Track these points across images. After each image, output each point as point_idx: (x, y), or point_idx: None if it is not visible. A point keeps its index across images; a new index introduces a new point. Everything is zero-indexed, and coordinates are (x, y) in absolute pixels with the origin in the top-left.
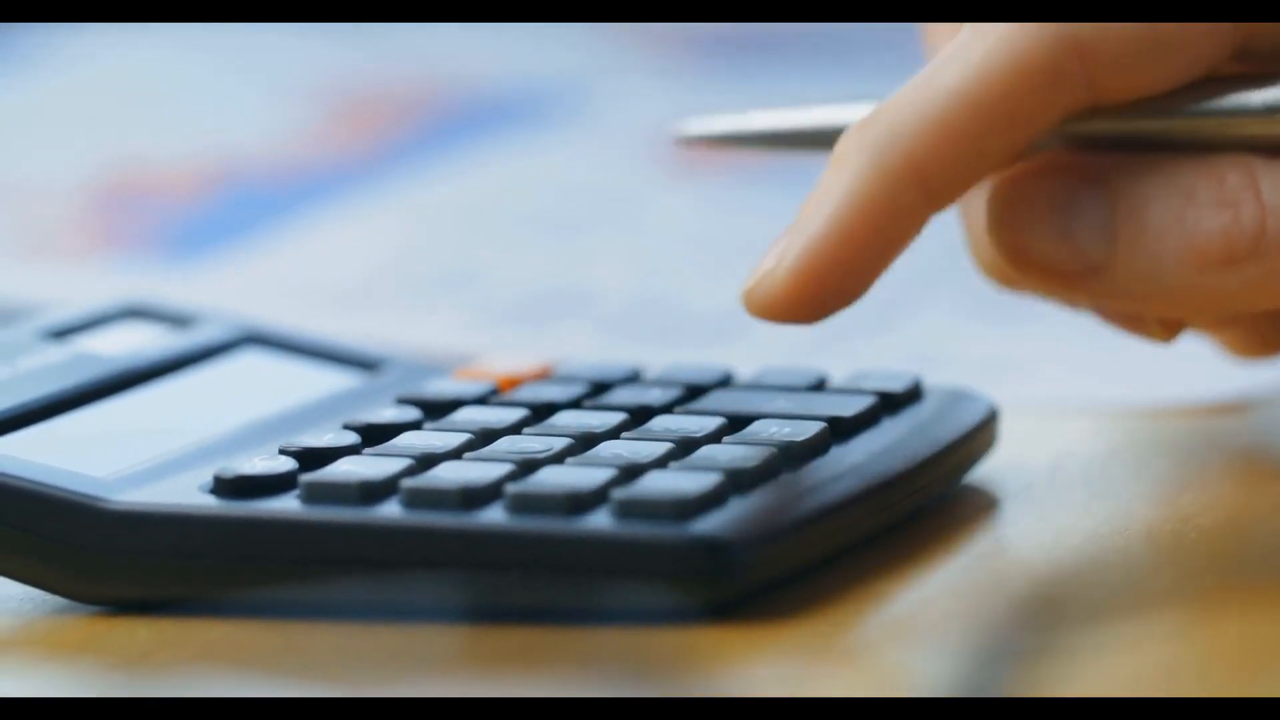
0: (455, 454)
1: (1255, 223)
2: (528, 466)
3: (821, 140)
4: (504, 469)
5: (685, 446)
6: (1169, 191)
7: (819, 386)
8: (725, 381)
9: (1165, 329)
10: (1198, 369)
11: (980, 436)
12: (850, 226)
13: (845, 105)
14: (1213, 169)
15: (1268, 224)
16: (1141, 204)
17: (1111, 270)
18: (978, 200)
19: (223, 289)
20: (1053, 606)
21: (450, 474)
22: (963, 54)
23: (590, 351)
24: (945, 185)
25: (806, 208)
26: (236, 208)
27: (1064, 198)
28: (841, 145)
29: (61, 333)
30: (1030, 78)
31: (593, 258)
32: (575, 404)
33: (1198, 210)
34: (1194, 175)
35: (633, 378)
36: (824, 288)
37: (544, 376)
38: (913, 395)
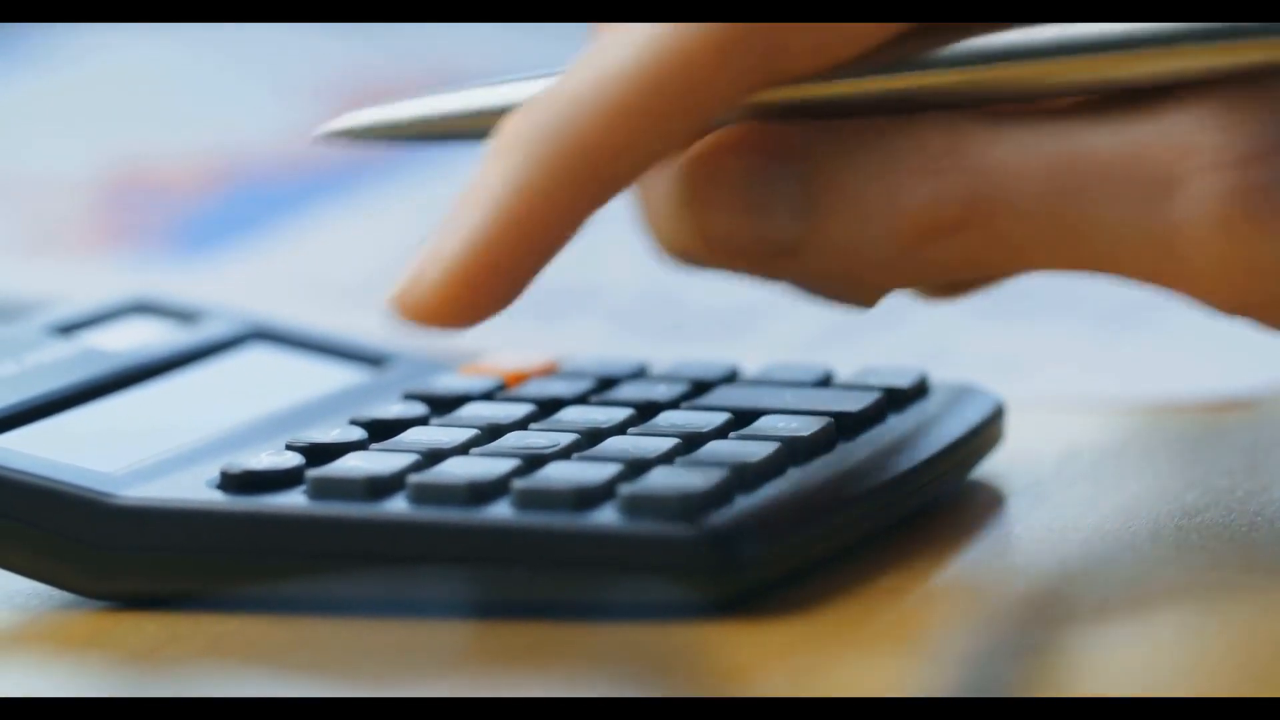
0: (462, 449)
1: (960, 192)
2: (534, 462)
3: (481, 126)
4: (511, 464)
5: (691, 442)
6: (869, 160)
7: (825, 382)
8: (731, 377)
9: (868, 294)
10: (1205, 366)
11: (987, 432)
12: (512, 224)
13: (503, 85)
14: (915, 133)
15: (978, 190)
16: (841, 176)
17: (813, 247)
18: (657, 175)
19: (229, 285)
20: (1058, 603)
21: (457, 469)
22: (634, 31)
23: (599, 347)
24: (618, 172)
25: (461, 202)
26: (243, 203)
27: (758, 174)
28: (503, 133)
29: (68, 328)
30: (710, 49)
31: (601, 253)
32: (581, 399)
33: (900, 180)
34: (896, 141)
35: (639, 373)
36: (479, 293)
37: (550, 372)
38: (919, 391)
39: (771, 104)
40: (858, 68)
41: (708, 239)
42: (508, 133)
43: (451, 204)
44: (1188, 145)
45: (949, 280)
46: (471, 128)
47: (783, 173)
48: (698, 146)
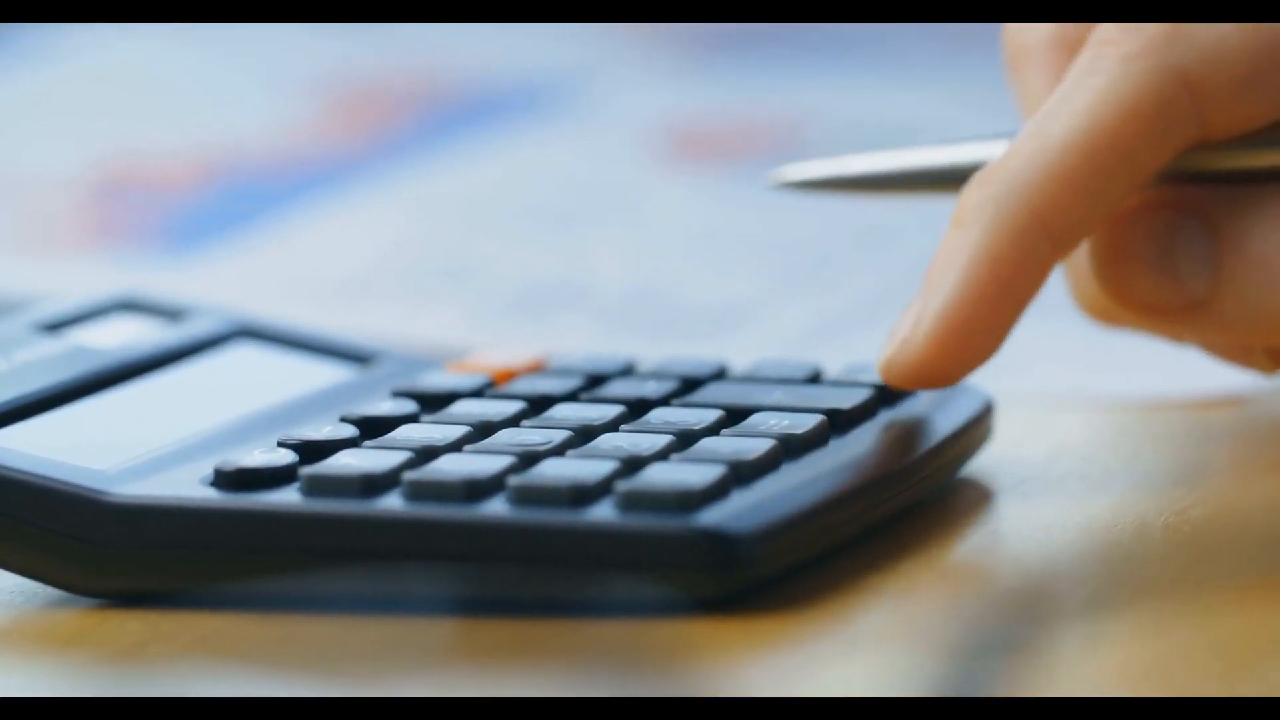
0: (455, 447)
1: None
2: (529, 459)
3: (917, 183)
4: (506, 461)
5: (685, 439)
6: (1272, 222)
7: (814, 379)
8: (720, 374)
9: (1273, 360)
10: (1192, 363)
11: (976, 430)
12: (982, 286)
13: (941, 147)
14: None
15: None
16: (1245, 236)
17: (1217, 304)
18: None
19: (221, 282)
20: (1046, 600)
21: (452, 466)
22: (1073, 98)
23: (586, 344)
24: (1068, 233)
25: (934, 270)
26: (234, 200)
27: (1166, 233)
28: (962, 204)
29: (55, 326)
30: (1142, 119)
31: (591, 250)
32: (571, 396)
33: None
34: None
35: (627, 370)
36: (962, 350)
37: (537, 369)
38: None
39: (1183, 169)
40: (1272, 137)
41: (1120, 297)
42: (968, 204)
43: (926, 275)
44: None
45: None
46: (922, 182)
47: (1190, 232)
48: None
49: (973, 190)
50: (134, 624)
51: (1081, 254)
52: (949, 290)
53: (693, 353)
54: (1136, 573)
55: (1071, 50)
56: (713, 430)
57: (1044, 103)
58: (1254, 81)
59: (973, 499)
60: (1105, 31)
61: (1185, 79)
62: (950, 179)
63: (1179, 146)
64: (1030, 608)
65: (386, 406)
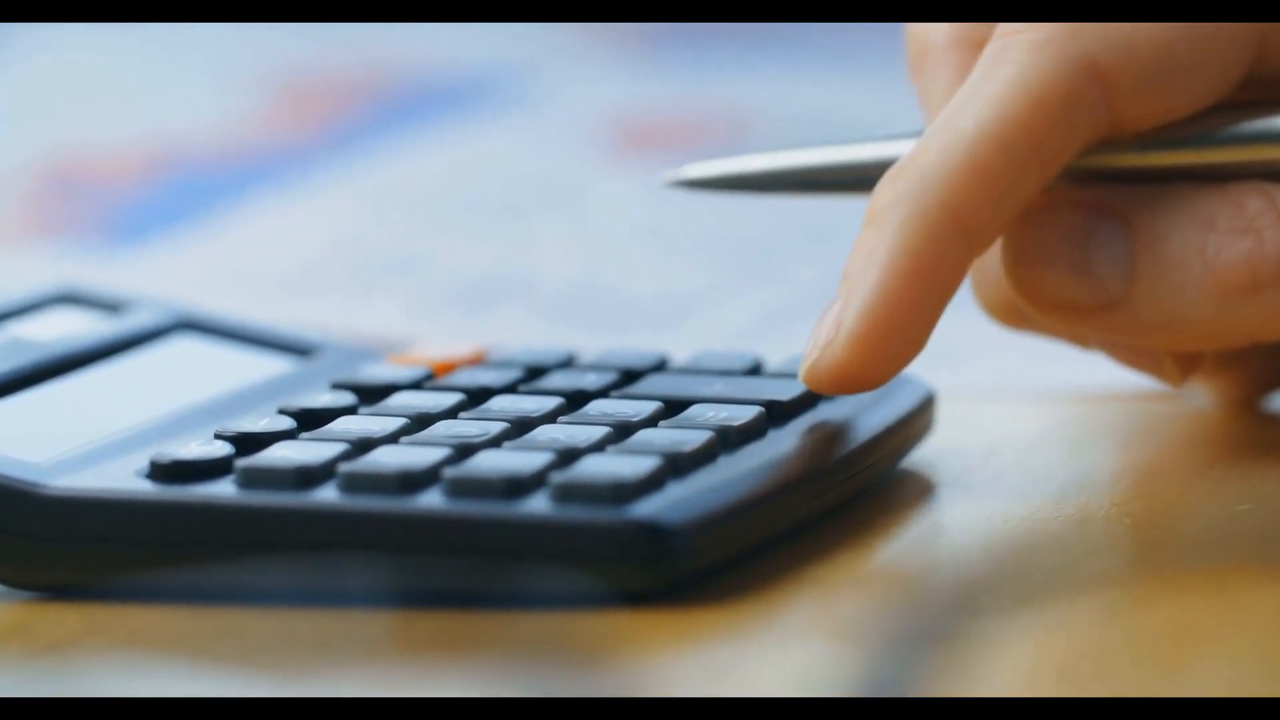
0: (391, 438)
1: (1278, 248)
2: (465, 451)
3: (822, 180)
4: (441, 453)
5: (622, 431)
6: (1188, 221)
7: (755, 371)
8: (660, 366)
9: (1180, 369)
10: None
11: (917, 421)
12: (900, 286)
13: (842, 146)
14: (1232, 196)
15: None
16: (1161, 235)
17: (1131, 304)
18: None
19: (166, 275)
20: (984, 592)
21: (387, 458)
22: (982, 89)
23: (528, 336)
24: (983, 228)
25: (851, 271)
26: (180, 193)
27: (1081, 232)
28: (875, 201)
29: None
30: (1052, 107)
31: (535, 243)
32: (510, 389)
33: (1219, 238)
34: (1213, 204)
35: (567, 362)
36: (884, 352)
37: (478, 361)
38: None
39: (1096, 168)
40: (1177, 136)
41: (1033, 295)
42: (881, 201)
43: (843, 275)
44: None
45: (1271, 337)
46: (821, 181)
47: (1106, 231)
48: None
49: (885, 187)
50: (70, 617)
51: (986, 255)
52: (867, 291)
53: (633, 345)
54: (1078, 565)
55: (975, 48)
56: (651, 422)
57: (947, 101)
58: (1164, 72)
59: (914, 491)
60: (1009, 25)
61: (1093, 67)
62: (851, 178)
63: (1090, 137)
64: (968, 600)
65: (324, 398)
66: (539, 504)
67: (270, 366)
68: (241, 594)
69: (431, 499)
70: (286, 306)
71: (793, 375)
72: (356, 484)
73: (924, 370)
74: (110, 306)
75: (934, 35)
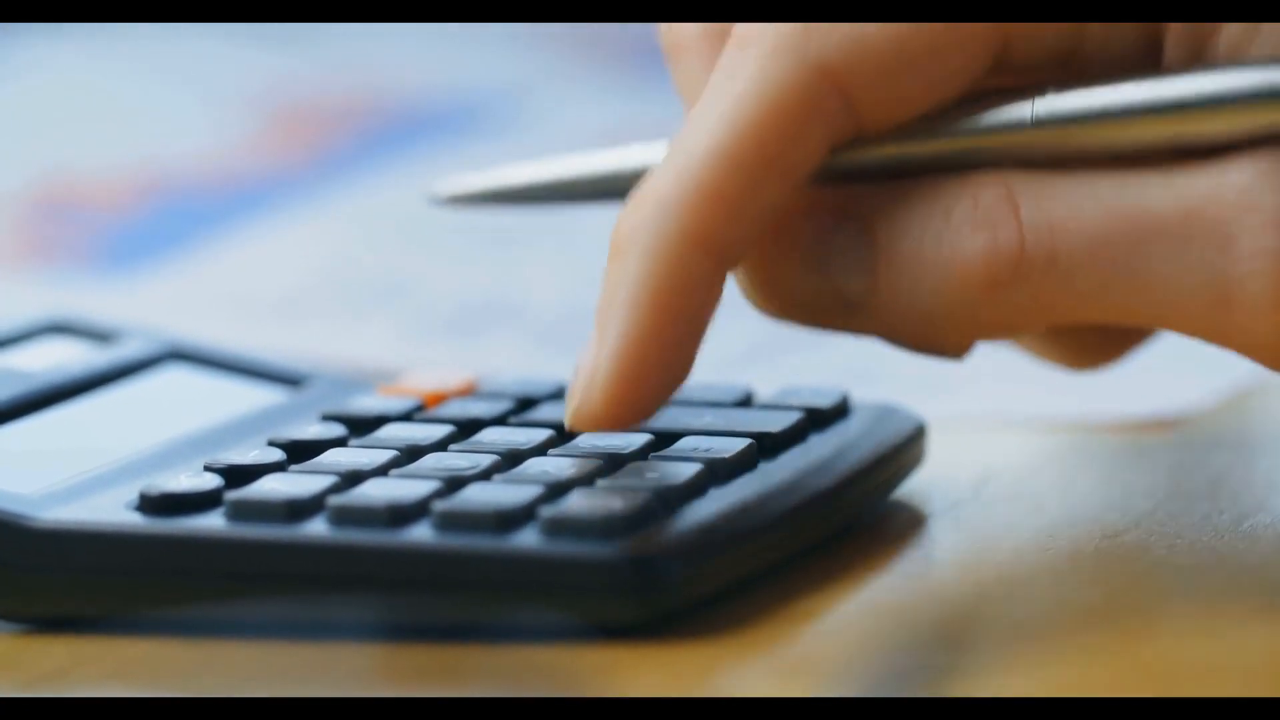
0: (381, 471)
1: (1014, 244)
2: (454, 484)
3: (583, 192)
4: (431, 486)
5: (612, 463)
6: (925, 217)
7: (745, 402)
8: None
9: (956, 346)
10: (1125, 386)
11: (908, 452)
12: (651, 321)
13: (603, 153)
14: (968, 188)
15: (1027, 244)
16: (898, 233)
17: (873, 304)
18: None
19: (157, 301)
20: (974, 624)
21: (377, 491)
22: (712, 108)
23: (521, 363)
24: (730, 246)
25: (602, 308)
26: (171, 219)
27: (820, 236)
28: (617, 233)
29: None
30: (786, 118)
31: (525, 269)
32: (501, 420)
33: (954, 233)
34: (950, 197)
35: (558, 394)
36: (644, 389)
37: (468, 392)
38: (840, 411)
39: (840, 166)
40: (922, 129)
41: (781, 298)
42: (622, 233)
43: (596, 313)
44: (1244, 201)
45: (1020, 331)
46: (580, 192)
47: (845, 231)
48: None
49: (625, 218)
50: (57, 649)
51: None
52: (618, 329)
53: None
54: (1069, 597)
55: (723, 40)
56: (640, 454)
57: (701, 93)
58: (899, 68)
59: (905, 523)
60: (742, 31)
61: (827, 71)
62: (615, 187)
63: (832, 140)
64: (959, 634)
65: (314, 430)
66: (529, 538)
67: (260, 397)
68: (232, 626)
69: (421, 533)
70: (277, 332)
71: (783, 407)
72: (346, 517)
73: (915, 400)
74: (101, 336)
75: (684, 30)
